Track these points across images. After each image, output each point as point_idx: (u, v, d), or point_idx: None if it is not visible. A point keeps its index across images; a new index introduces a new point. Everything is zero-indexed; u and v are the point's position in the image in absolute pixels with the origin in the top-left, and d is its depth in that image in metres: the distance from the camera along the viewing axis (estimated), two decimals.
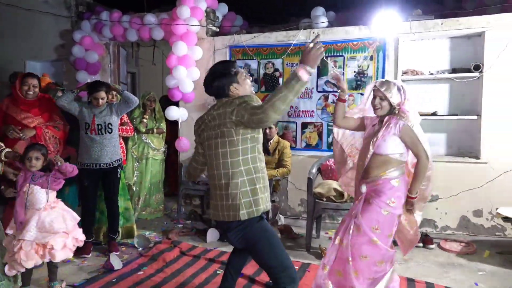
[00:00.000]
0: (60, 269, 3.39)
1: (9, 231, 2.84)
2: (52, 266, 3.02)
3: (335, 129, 3.02)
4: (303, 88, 2.05)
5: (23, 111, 3.67)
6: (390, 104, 2.57)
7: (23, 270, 2.81)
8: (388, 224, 2.55)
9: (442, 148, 4.68)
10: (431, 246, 4.04)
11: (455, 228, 4.42)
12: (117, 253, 3.81)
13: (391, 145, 2.54)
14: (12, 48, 6.08)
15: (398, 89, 2.57)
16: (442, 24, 4.36)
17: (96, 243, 4.01)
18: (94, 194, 3.87)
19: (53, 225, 2.81)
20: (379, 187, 2.56)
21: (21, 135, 3.54)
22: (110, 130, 3.76)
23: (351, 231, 2.59)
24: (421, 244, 4.06)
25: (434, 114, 4.50)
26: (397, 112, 2.59)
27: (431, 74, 4.52)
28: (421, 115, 4.45)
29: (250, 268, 3.48)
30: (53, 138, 3.76)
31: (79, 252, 3.73)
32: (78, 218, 3.07)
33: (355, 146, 2.99)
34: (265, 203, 2.24)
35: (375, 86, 2.62)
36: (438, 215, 4.47)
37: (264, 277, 3.31)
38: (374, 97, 2.62)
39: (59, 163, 2.88)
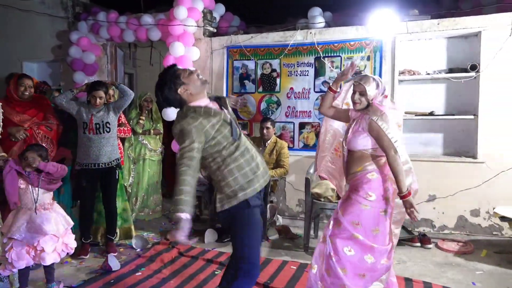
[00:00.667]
0: (58, 270, 3.39)
1: (3, 230, 2.84)
2: (48, 268, 3.00)
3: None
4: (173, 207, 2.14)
5: (19, 113, 3.66)
6: (368, 100, 2.55)
7: (15, 270, 2.80)
8: (371, 219, 2.50)
9: (439, 148, 4.69)
10: (429, 246, 4.05)
11: (453, 228, 4.44)
12: (115, 254, 3.80)
13: (361, 140, 2.54)
14: (9, 49, 6.06)
15: (377, 85, 2.55)
16: (438, 24, 4.38)
17: (93, 244, 4.00)
18: (92, 194, 3.86)
19: (43, 227, 2.79)
20: (357, 182, 2.56)
21: (28, 135, 3.56)
22: (108, 129, 3.76)
23: (330, 226, 2.60)
24: (418, 244, 4.08)
25: (431, 114, 4.51)
26: (369, 107, 2.56)
27: (428, 74, 4.53)
28: (418, 115, 4.52)
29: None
30: (45, 138, 3.74)
31: (77, 253, 3.74)
32: (72, 223, 3.06)
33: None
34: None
35: (355, 81, 2.60)
36: (435, 214, 4.48)
37: (262, 277, 3.31)
38: (354, 92, 2.59)
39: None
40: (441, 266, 3.60)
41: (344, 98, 2.90)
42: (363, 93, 2.54)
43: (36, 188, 2.85)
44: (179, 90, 2.26)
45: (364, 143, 2.54)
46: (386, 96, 2.63)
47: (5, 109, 3.62)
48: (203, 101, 2.31)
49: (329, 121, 2.99)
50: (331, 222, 2.63)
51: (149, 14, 5.41)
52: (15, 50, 6.05)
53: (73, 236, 3.08)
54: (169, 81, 2.26)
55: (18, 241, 2.76)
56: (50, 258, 2.85)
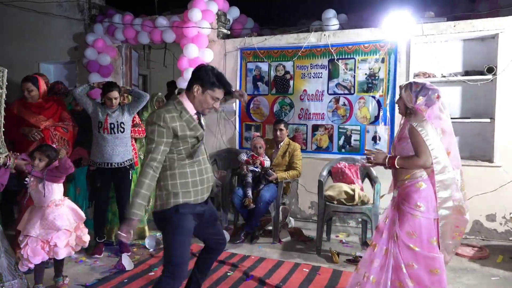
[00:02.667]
0: (72, 269, 3.45)
1: (20, 228, 2.92)
2: (58, 263, 3.10)
3: None
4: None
5: (34, 114, 3.71)
6: (404, 104, 2.56)
7: (32, 266, 2.87)
8: (425, 229, 2.47)
9: None
10: None
11: (468, 233, 4.37)
12: (129, 253, 3.84)
13: (406, 146, 2.53)
14: (26, 50, 6.17)
15: (410, 88, 2.54)
16: (455, 26, 4.33)
17: (108, 244, 4.05)
18: (106, 194, 3.91)
19: (56, 222, 2.89)
20: (406, 191, 2.54)
21: (43, 136, 3.61)
22: (122, 130, 3.81)
23: (395, 239, 2.53)
24: None
25: None
26: (412, 112, 2.56)
27: (444, 76, 4.48)
28: None
29: (260, 270, 3.49)
30: (61, 140, 3.79)
31: (91, 252, 3.79)
32: (84, 218, 3.15)
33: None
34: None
35: (399, 86, 2.66)
36: None
37: (274, 279, 3.31)
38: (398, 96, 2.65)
39: (60, 154, 2.98)
40: (455, 271, 3.55)
41: None
42: (399, 97, 2.60)
43: (46, 185, 2.93)
44: (194, 85, 2.33)
45: (408, 149, 2.52)
46: (438, 97, 2.52)
47: (21, 109, 3.69)
48: (192, 109, 2.37)
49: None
50: (395, 235, 2.54)
51: (163, 16, 5.46)
52: (33, 52, 6.16)
53: (87, 230, 3.16)
54: (202, 74, 2.33)
55: (33, 237, 2.85)
56: (63, 253, 2.95)
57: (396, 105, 2.72)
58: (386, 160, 2.58)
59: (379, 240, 2.61)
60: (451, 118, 4.35)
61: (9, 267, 2.75)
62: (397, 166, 2.54)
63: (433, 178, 2.49)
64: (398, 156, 2.55)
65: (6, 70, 2.53)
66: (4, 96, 2.53)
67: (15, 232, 3.26)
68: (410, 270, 2.48)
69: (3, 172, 2.66)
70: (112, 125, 3.77)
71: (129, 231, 2.22)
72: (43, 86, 3.77)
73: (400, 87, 2.63)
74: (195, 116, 2.37)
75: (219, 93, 2.35)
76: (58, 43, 6.09)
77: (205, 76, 2.31)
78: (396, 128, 4.57)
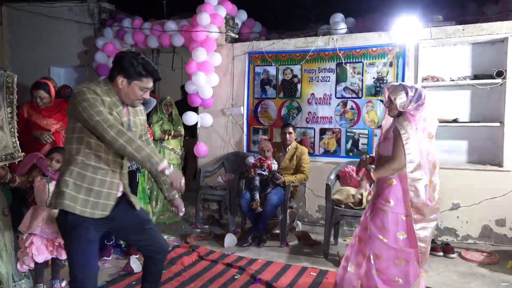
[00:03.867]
0: None
1: (22, 229, 2.96)
2: (56, 265, 3.12)
3: None
4: (149, 166, 2.02)
5: (45, 117, 3.76)
6: (396, 107, 2.62)
7: (32, 265, 2.92)
8: (393, 224, 2.61)
9: (463, 156, 4.59)
10: (452, 256, 3.97)
11: (477, 238, 4.33)
12: (137, 256, 3.86)
13: (389, 146, 2.64)
14: (38, 54, 6.26)
15: (406, 93, 2.59)
16: (463, 30, 4.31)
17: (116, 246, 4.07)
18: None
19: None
20: (380, 187, 2.70)
21: (54, 139, 3.66)
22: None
23: (368, 230, 2.71)
24: (441, 253, 4.00)
25: (455, 121, 4.43)
26: (402, 115, 2.63)
27: (452, 80, 4.46)
28: (442, 122, 4.44)
29: (268, 273, 3.49)
30: None
31: (100, 254, 3.81)
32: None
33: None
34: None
35: (386, 88, 2.70)
36: (459, 223, 4.39)
37: (281, 283, 3.31)
38: (387, 99, 2.69)
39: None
40: (465, 277, 3.52)
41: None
42: (391, 100, 2.63)
43: (52, 185, 2.97)
44: (118, 77, 2.08)
45: (389, 149, 2.64)
46: (423, 104, 2.60)
47: (31, 113, 3.74)
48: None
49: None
50: (368, 227, 2.71)
51: (172, 20, 5.51)
52: (44, 56, 6.24)
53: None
54: (125, 64, 2.07)
55: (38, 236, 2.89)
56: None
57: (386, 107, 2.73)
58: (366, 177, 2.68)
59: (356, 231, 2.83)
60: (460, 122, 4.41)
61: (17, 268, 2.80)
62: (374, 179, 2.64)
63: (403, 178, 2.59)
64: (372, 170, 2.66)
65: (16, 76, 2.56)
66: (15, 101, 2.56)
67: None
68: (378, 260, 2.63)
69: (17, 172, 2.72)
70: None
71: (179, 181, 2.01)
72: (53, 92, 3.83)
73: (388, 89, 2.65)
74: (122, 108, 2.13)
75: (147, 82, 2.11)
76: (68, 47, 6.17)
77: (130, 66, 2.06)
78: None
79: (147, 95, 2.16)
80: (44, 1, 6.19)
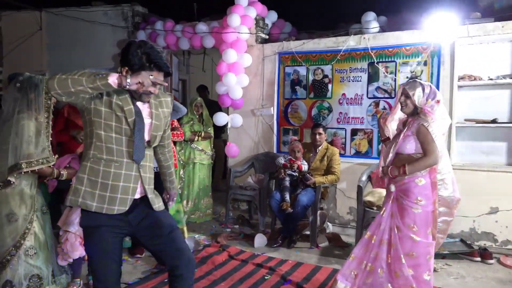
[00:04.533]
0: None
1: (60, 224, 3.07)
2: (74, 264, 3.15)
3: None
4: (102, 88, 1.79)
5: None
6: (413, 103, 2.68)
7: (70, 260, 3.01)
8: (424, 221, 2.66)
9: (502, 158, 4.40)
10: (490, 261, 3.82)
11: None
12: None
13: (410, 145, 2.67)
14: (75, 57, 6.47)
15: (423, 89, 2.66)
16: (503, 27, 4.14)
17: None
18: None
19: None
20: (405, 187, 2.69)
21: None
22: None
23: (396, 231, 2.69)
24: (479, 259, 3.86)
25: (493, 121, 4.26)
26: (419, 112, 2.69)
27: (491, 79, 4.29)
28: (479, 122, 4.29)
29: (298, 274, 3.47)
30: None
31: (133, 251, 3.91)
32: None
33: None
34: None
35: (401, 84, 2.77)
36: (498, 228, 4.21)
37: (311, 285, 3.29)
38: (401, 95, 2.74)
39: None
40: (504, 284, 3.39)
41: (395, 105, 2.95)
42: (408, 96, 2.68)
43: None
44: (123, 69, 1.93)
45: (412, 146, 2.67)
46: (438, 102, 2.69)
47: (71, 112, 3.90)
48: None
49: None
50: (394, 227, 2.70)
51: (203, 22, 5.58)
52: (80, 59, 6.44)
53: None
54: (128, 56, 1.90)
55: (72, 233, 2.98)
56: None
57: (399, 104, 2.76)
58: (400, 171, 2.66)
59: (377, 232, 2.76)
60: (499, 123, 4.24)
61: (58, 263, 2.90)
62: (407, 174, 2.64)
63: (432, 173, 2.67)
64: (406, 165, 2.64)
65: None
66: (52, 107, 2.66)
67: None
68: (409, 259, 2.64)
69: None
70: None
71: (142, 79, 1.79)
72: None
73: (404, 85, 2.71)
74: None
75: (157, 74, 1.90)
76: (103, 50, 6.36)
77: (132, 58, 1.88)
78: None
79: (155, 90, 1.92)
80: (81, 6, 6.40)
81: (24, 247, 2.49)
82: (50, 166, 2.62)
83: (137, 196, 2.03)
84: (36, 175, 2.67)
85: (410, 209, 2.66)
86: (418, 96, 2.65)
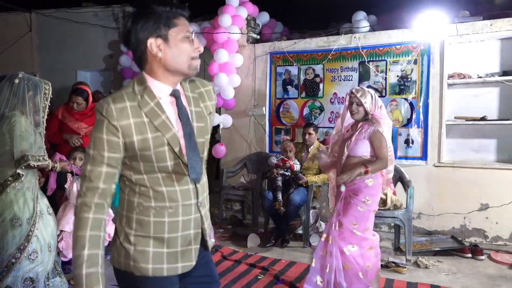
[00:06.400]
0: (108, 269, 3.54)
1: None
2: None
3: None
4: None
5: (77, 120, 3.88)
6: (365, 110, 2.80)
7: (65, 259, 3.05)
8: (364, 219, 2.81)
9: (492, 155, 4.46)
10: (481, 257, 3.85)
11: (507, 239, 4.20)
12: None
13: (363, 148, 2.79)
14: (65, 58, 6.43)
15: (371, 97, 2.81)
16: (491, 25, 4.19)
17: None
18: None
19: None
20: (356, 187, 2.80)
21: (82, 142, 3.77)
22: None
23: (336, 227, 2.82)
24: (469, 255, 3.89)
25: (483, 119, 4.31)
26: (370, 118, 2.82)
27: (480, 77, 4.33)
28: (469, 120, 4.33)
29: (291, 274, 3.48)
30: None
31: None
32: (112, 215, 3.29)
33: None
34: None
35: (351, 93, 2.86)
36: (488, 225, 4.26)
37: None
38: (351, 103, 2.85)
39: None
40: (494, 279, 3.42)
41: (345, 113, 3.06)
42: (359, 104, 2.80)
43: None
44: (149, 41, 1.32)
45: (365, 149, 2.80)
46: (381, 107, 2.86)
47: (65, 115, 3.87)
48: (164, 89, 1.38)
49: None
50: (336, 224, 2.83)
51: (194, 22, 5.57)
52: (70, 60, 6.41)
53: (114, 225, 3.27)
54: (147, 16, 1.32)
55: (67, 232, 3.04)
56: None
57: (350, 110, 2.86)
58: (362, 171, 2.74)
59: (331, 232, 2.86)
60: (488, 120, 4.29)
61: (52, 267, 2.89)
62: (370, 174, 2.76)
63: (382, 175, 2.86)
64: (368, 167, 2.73)
65: (50, 84, 2.67)
66: (47, 108, 2.66)
67: None
68: (353, 250, 2.78)
69: (52, 177, 2.82)
70: None
71: None
72: (90, 99, 3.96)
73: (357, 91, 2.80)
74: (168, 100, 1.39)
75: (183, 23, 1.35)
76: (94, 51, 6.32)
77: (153, 15, 1.32)
78: (431, 131, 4.45)
79: (197, 42, 1.38)
80: (71, 7, 6.36)
81: (28, 249, 2.49)
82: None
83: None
84: (37, 176, 2.66)
85: (356, 207, 2.78)
86: (369, 103, 2.78)
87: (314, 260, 2.91)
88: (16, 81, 2.52)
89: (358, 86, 4.76)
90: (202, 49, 1.40)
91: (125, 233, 1.42)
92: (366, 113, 2.82)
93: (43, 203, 2.67)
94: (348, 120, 2.99)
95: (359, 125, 2.86)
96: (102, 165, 1.33)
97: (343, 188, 2.84)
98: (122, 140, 1.33)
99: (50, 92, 2.64)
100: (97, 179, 1.33)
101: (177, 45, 1.34)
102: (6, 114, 2.49)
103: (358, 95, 2.79)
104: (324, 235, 2.91)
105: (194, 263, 1.47)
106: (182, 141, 1.38)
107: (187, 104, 1.43)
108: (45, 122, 2.66)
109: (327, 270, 2.82)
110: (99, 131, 1.32)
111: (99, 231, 1.34)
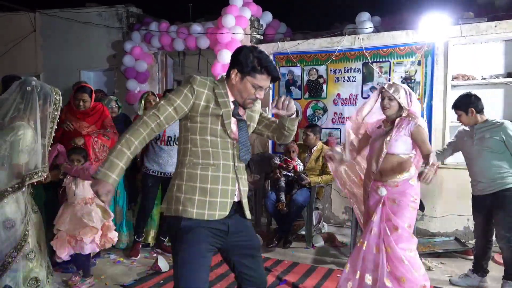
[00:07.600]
0: (111, 269, 3.57)
1: (55, 222, 3.12)
2: (80, 260, 3.23)
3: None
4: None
5: (79, 120, 3.86)
6: (399, 105, 2.70)
7: (59, 260, 3.07)
8: (413, 220, 2.76)
9: None
10: None
11: None
12: (169, 254, 3.91)
13: (402, 145, 2.68)
14: (69, 58, 6.45)
15: (405, 92, 2.71)
16: (496, 26, 4.17)
17: (144, 245, 4.15)
18: (153, 197, 4.04)
19: (83, 219, 3.08)
20: (401, 189, 2.70)
21: (72, 128, 3.72)
22: (178, 142, 3.92)
23: (388, 233, 2.65)
24: (473, 257, 3.87)
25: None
26: (406, 114, 2.73)
27: (484, 79, 4.32)
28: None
29: (293, 275, 3.48)
30: (102, 147, 3.91)
31: (128, 253, 3.91)
32: (112, 216, 3.34)
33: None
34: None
35: (383, 88, 2.75)
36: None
37: (307, 285, 3.29)
38: (383, 99, 2.75)
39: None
40: (498, 281, 3.40)
41: (372, 107, 2.96)
42: (391, 98, 2.69)
43: (77, 183, 3.17)
44: (234, 70, 1.91)
45: (406, 148, 2.69)
46: (413, 103, 2.76)
47: (67, 114, 3.85)
48: (231, 97, 1.96)
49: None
50: (387, 230, 2.66)
51: (198, 23, 5.58)
52: (74, 60, 6.43)
53: (114, 227, 3.34)
54: (240, 57, 1.90)
55: (62, 231, 3.06)
56: (88, 248, 3.11)
57: (382, 106, 2.76)
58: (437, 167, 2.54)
59: (369, 238, 2.72)
60: None
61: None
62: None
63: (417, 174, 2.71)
64: (429, 156, 2.57)
65: (60, 93, 2.64)
66: (57, 118, 2.64)
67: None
68: (409, 256, 2.60)
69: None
70: (169, 138, 3.91)
71: (101, 192, 1.72)
72: (93, 96, 3.94)
73: (390, 87, 2.70)
74: (232, 106, 1.95)
75: (261, 79, 1.90)
76: (98, 51, 6.33)
77: (244, 60, 1.88)
78: (434, 133, 4.44)
79: (261, 95, 1.94)
80: (75, 7, 6.38)
81: (25, 249, 2.49)
82: None
83: (236, 199, 1.97)
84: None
85: (408, 208, 2.67)
86: (404, 98, 2.68)
87: (347, 265, 2.81)
88: (29, 88, 2.48)
89: (362, 87, 4.76)
90: (261, 97, 1.96)
91: (177, 185, 1.89)
92: (400, 108, 2.70)
93: (30, 202, 2.68)
94: (370, 116, 2.92)
95: (397, 121, 2.71)
96: (171, 106, 1.84)
97: (384, 192, 2.72)
98: (193, 100, 1.86)
99: (60, 102, 2.63)
100: (162, 112, 1.83)
101: (245, 85, 1.91)
102: (14, 123, 2.45)
103: (391, 91, 2.68)
104: (361, 241, 2.78)
105: (227, 213, 1.89)
106: (233, 119, 1.93)
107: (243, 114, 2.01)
108: (53, 133, 2.64)
109: (357, 276, 2.71)
110: (184, 87, 1.87)
111: (141, 146, 1.82)
